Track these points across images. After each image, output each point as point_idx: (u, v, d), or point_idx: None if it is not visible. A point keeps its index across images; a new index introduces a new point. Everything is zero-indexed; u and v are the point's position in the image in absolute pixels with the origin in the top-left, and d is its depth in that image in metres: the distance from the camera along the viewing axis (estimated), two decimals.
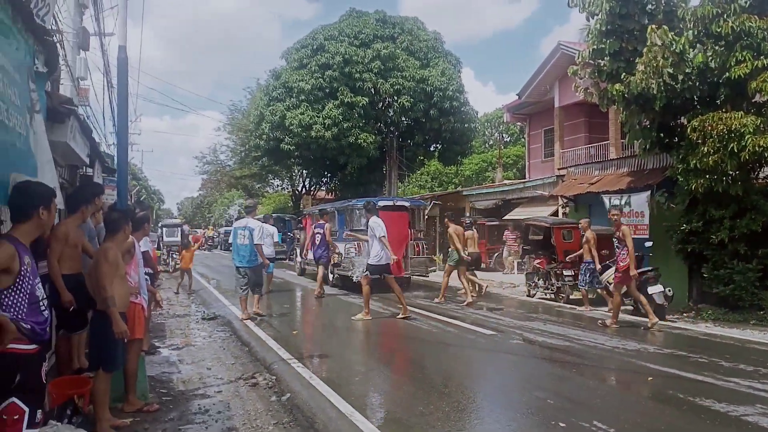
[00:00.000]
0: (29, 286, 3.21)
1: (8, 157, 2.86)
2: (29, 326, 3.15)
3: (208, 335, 9.12)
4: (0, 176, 2.75)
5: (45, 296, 3.38)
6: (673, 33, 10.19)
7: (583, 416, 5.06)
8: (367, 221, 10.48)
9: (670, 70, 10.04)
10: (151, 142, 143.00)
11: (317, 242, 13.94)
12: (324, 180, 34.74)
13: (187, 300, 13.49)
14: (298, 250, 20.04)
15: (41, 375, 3.25)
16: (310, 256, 15.18)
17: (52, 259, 5.15)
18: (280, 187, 47.12)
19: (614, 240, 10.40)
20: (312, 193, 37.27)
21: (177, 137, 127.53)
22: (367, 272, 10.27)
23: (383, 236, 9.99)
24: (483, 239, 21.17)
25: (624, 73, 11.09)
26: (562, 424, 4.86)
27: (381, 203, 13.97)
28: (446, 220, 13.45)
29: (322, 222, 14.30)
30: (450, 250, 13.09)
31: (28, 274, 3.21)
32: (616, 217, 9.88)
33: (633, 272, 9.33)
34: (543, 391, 5.89)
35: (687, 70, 10.19)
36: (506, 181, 25.21)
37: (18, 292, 3.16)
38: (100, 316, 4.70)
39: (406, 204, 15.69)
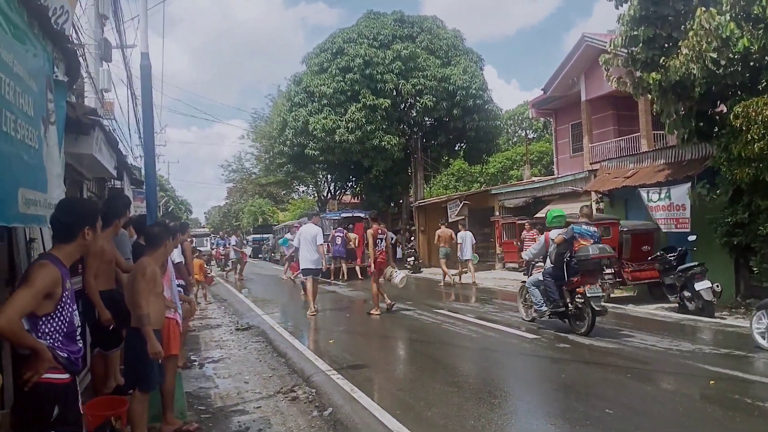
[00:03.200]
0: (68, 314, 2.97)
1: (13, 171, 2.57)
2: (65, 355, 2.91)
3: (243, 346, 8.89)
4: (6, 192, 2.44)
5: (80, 324, 3.14)
6: (720, 17, 9.69)
7: (647, 427, 4.71)
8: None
9: (713, 55, 9.56)
10: (177, 153, 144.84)
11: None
12: (349, 184, 34.52)
13: (219, 310, 13.31)
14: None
15: (78, 406, 3.01)
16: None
17: (89, 277, 4.96)
18: (305, 193, 47.07)
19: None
20: (338, 197, 37.07)
21: (203, 147, 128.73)
22: (300, 274, 12.30)
23: (297, 247, 12.10)
24: (513, 238, 20.78)
25: (663, 57, 10.60)
26: None
27: (343, 215, 23.64)
28: (440, 223, 19.16)
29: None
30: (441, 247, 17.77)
31: (68, 301, 2.97)
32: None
33: (370, 268, 11.57)
34: (600, 399, 5.51)
35: (730, 55, 9.69)
36: (536, 179, 24.64)
37: (57, 319, 2.92)
38: (134, 333, 4.45)
39: (362, 215, 23.14)
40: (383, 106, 24.89)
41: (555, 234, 8.91)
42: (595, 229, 9.09)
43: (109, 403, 4.84)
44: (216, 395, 6.28)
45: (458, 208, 22.05)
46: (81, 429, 3.18)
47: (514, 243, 20.28)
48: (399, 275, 12.02)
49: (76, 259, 3.17)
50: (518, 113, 42.82)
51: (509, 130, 43.45)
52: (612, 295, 12.12)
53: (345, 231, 20.81)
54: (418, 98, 25.68)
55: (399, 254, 25.23)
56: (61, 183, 3.56)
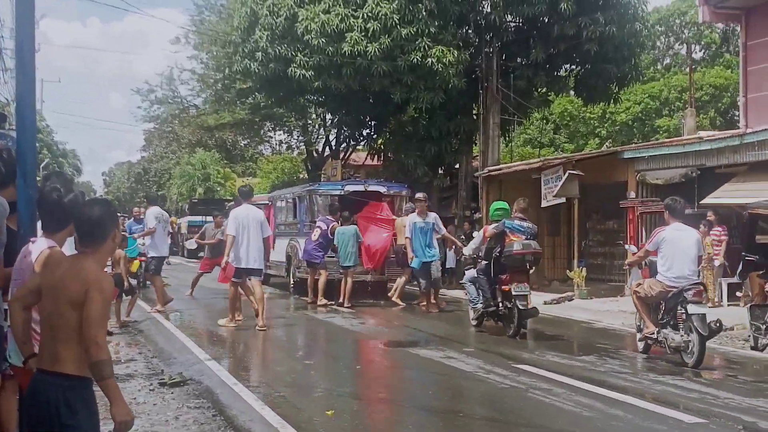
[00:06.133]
0: None
1: None
2: None
3: (174, 416, 8.99)
4: None
5: None
6: None
7: None
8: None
9: None
10: (59, 65, 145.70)
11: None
12: (365, 132, 34.43)
13: (129, 347, 13.38)
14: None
15: None
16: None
17: None
18: (285, 145, 47.27)
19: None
20: (344, 156, 37.03)
21: (107, 57, 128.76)
22: (233, 278, 15.09)
23: (223, 238, 15.45)
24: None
25: None
26: None
27: (348, 188, 21.31)
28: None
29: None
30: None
31: None
32: None
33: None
34: None
35: None
36: (704, 134, 24.46)
37: None
38: None
39: (382, 189, 21.82)
40: None
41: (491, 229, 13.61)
42: (531, 225, 13.90)
43: None
44: None
45: (561, 183, 21.97)
46: None
47: None
48: None
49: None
50: (676, 13, 42.50)
51: (659, 45, 43.16)
52: None
53: (332, 220, 19.46)
54: None
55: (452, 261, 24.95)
56: None
